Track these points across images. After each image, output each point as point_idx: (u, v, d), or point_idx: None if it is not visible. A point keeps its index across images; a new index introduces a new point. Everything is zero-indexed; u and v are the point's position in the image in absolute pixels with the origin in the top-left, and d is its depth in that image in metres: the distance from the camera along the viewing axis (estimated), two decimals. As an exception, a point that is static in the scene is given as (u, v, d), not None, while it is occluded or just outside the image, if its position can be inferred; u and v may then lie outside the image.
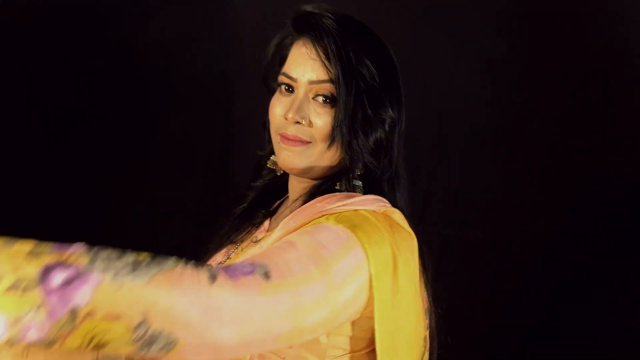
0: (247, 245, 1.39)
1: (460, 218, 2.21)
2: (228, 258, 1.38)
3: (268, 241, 1.27)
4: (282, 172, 1.40)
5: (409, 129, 2.15)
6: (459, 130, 2.20)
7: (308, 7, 1.31)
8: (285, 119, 1.28)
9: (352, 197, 1.25)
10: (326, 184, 1.32)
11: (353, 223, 1.17)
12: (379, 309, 1.16)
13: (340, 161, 1.31)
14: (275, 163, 1.39)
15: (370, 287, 1.15)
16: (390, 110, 1.30)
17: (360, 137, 1.27)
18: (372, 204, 1.24)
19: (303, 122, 1.27)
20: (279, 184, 1.45)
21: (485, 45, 2.16)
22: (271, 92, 1.37)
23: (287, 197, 1.43)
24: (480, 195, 2.20)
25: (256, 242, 1.37)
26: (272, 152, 1.39)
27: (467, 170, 2.21)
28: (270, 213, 1.44)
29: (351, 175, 1.30)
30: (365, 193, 1.30)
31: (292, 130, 1.28)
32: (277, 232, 1.25)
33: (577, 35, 2.13)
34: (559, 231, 2.17)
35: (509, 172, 2.19)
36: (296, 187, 1.37)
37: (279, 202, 1.46)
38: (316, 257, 1.10)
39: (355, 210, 1.21)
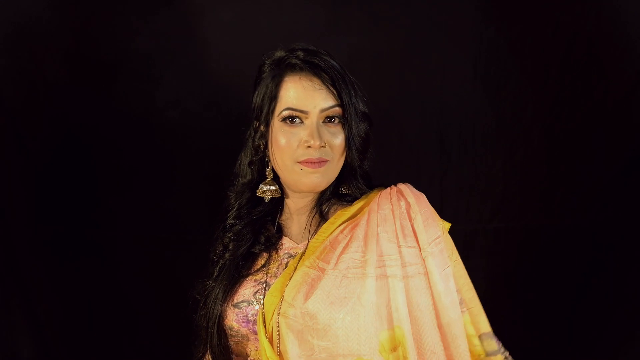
0: (279, 265, 1.50)
1: (474, 212, 2.26)
2: (267, 284, 1.47)
3: (335, 252, 1.41)
4: (269, 198, 1.53)
5: (410, 130, 2.16)
6: (458, 127, 2.22)
7: (286, 51, 1.48)
8: (309, 146, 1.43)
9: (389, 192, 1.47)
10: (330, 191, 1.51)
11: None
12: None
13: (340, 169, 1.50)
14: (265, 191, 1.52)
15: None
16: (364, 106, 1.50)
17: (360, 138, 1.48)
18: (415, 190, 1.48)
19: (325, 145, 1.44)
20: (266, 212, 1.58)
21: (480, 42, 2.18)
22: (257, 130, 1.50)
23: (282, 216, 1.58)
24: (489, 188, 2.25)
25: (291, 257, 1.50)
26: (253, 186, 1.53)
27: (471, 166, 2.24)
28: (279, 234, 1.55)
29: (358, 176, 1.50)
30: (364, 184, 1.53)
31: (316, 155, 1.43)
32: (339, 245, 1.41)
33: (569, 22, 2.14)
34: (570, 213, 2.22)
35: (513, 161, 2.22)
36: (299, 202, 1.54)
37: (274, 225, 1.57)
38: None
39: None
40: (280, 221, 1.57)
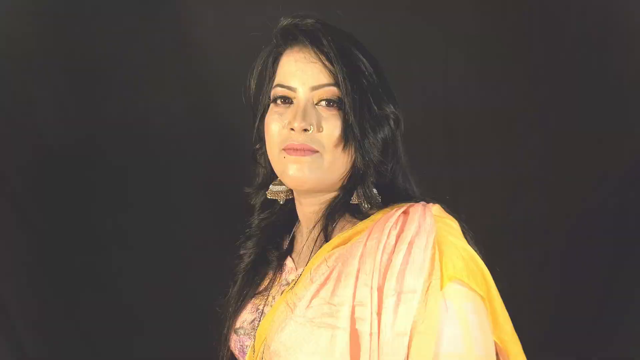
0: (277, 292, 1.29)
1: (489, 204, 2.17)
2: (262, 313, 1.27)
3: (310, 289, 1.15)
4: (284, 200, 1.31)
5: (414, 123, 2.09)
6: (462, 121, 2.14)
7: (289, 19, 1.25)
8: (292, 129, 1.19)
9: (395, 220, 1.15)
10: (338, 200, 1.24)
11: (466, 278, 1.10)
12: None
13: (348, 172, 1.23)
14: (276, 193, 1.30)
15: None
16: (391, 105, 1.24)
17: (370, 136, 1.20)
18: (426, 220, 1.14)
19: (311, 129, 1.18)
20: (280, 218, 1.36)
21: (477, 33, 2.12)
22: (259, 114, 1.29)
23: (297, 226, 1.35)
24: (504, 178, 2.16)
25: (287, 284, 1.27)
26: (264, 185, 1.32)
27: (474, 159, 2.16)
28: (287, 250, 1.34)
29: (367, 184, 1.22)
30: (383, 198, 1.23)
31: (299, 139, 1.18)
32: (316, 281, 1.15)
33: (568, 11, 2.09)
34: (591, 200, 2.14)
35: (515, 155, 2.15)
36: (306, 212, 1.28)
37: (289, 236, 1.36)
38: None
39: (440, 248, 1.11)
40: (295, 232, 1.34)
